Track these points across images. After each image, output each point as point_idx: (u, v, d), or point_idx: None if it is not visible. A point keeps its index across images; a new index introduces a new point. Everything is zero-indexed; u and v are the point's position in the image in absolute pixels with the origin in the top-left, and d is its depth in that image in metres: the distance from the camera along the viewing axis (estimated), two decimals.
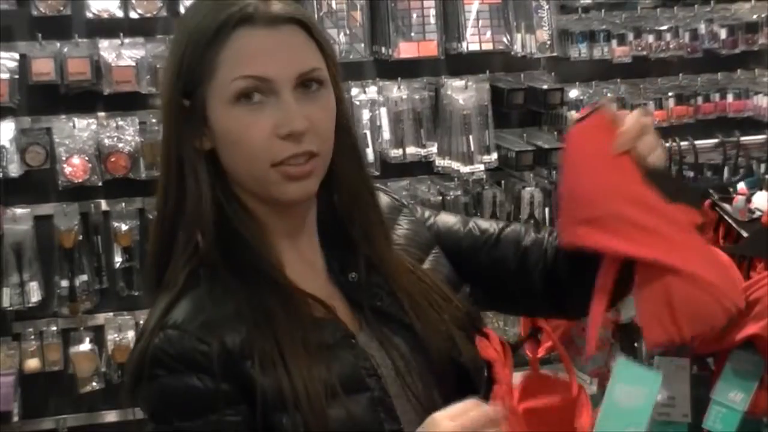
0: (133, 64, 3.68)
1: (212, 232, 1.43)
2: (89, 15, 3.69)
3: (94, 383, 3.77)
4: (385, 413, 1.42)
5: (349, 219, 1.54)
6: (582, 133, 1.46)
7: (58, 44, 3.68)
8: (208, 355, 1.36)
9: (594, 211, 1.41)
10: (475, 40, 3.98)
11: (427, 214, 1.74)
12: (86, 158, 3.69)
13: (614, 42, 4.16)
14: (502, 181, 4.10)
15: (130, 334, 3.81)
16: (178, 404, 1.37)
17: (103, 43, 3.70)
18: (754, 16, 4.32)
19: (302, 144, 1.42)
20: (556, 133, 4.17)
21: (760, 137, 2.51)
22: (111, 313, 3.84)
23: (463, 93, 3.95)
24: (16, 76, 3.64)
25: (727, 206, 2.17)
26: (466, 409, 1.31)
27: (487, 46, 4.00)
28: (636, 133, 1.44)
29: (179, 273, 1.43)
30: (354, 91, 3.86)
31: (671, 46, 4.23)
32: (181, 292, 1.42)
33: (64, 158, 3.68)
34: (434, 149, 3.97)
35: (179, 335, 1.37)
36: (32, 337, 3.75)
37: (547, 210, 4.03)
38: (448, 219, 1.73)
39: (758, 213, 2.14)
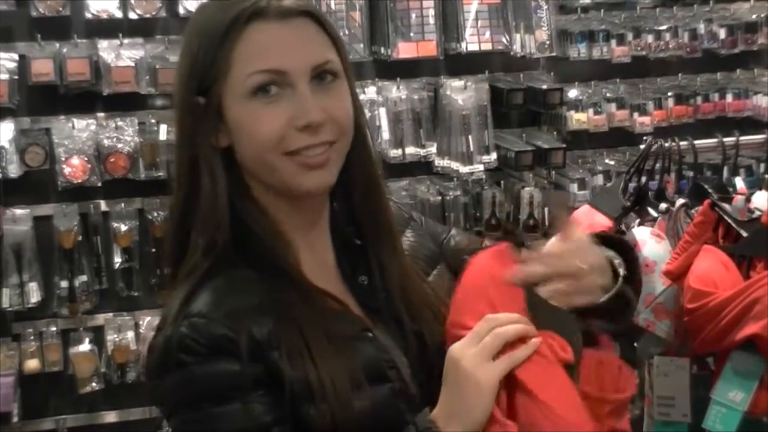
0: (133, 64, 3.68)
1: (228, 229, 1.44)
2: (88, 15, 3.69)
3: (93, 384, 3.77)
4: (406, 404, 1.44)
5: (360, 219, 1.56)
6: (482, 256, 1.51)
7: (58, 45, 3.68)
8: (236, 342, 1.36)
9: (459, 320, 1.46)
10: (474, 40, 3.98)
11: (439, 229, 1.77)
12: (85, 159, 3.69)
13: (613, 42, 4.15)
14: (502, 181, 4.10)
15: (130, 335, 3.81)
16: (209, 390, 1.37)
17: (103, 44, 3.70)
18: (754, 16, 4.32)
19: (319, 135, 1.43)
20: (555, 133, 4.17)
21: (760, 137, 2.50)
22: (111, 314, 3.84)
23: (462, 93, 3.94)
24: (16, 77, 3.64)
25: (726, 206, 2.17)
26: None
27: (486, 47, 4.00)
28: (536, 278, 1.43)
29: (195, 267, 1.44)
30: None
31: (670, 45, 4.23)
32: (199, 283, 1.42)
33: (63, 159, 3.68)
34: (433, 149, 3.96)
35: (206, 323, 1.38)
36: (32, 337, 3.75)
37: (546, 210, 4.03)
38: (462, 239, 1.77)
39: (758, 213, 2.15)
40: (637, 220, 2.39)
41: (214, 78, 1.42)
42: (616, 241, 1.60)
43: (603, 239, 1.57)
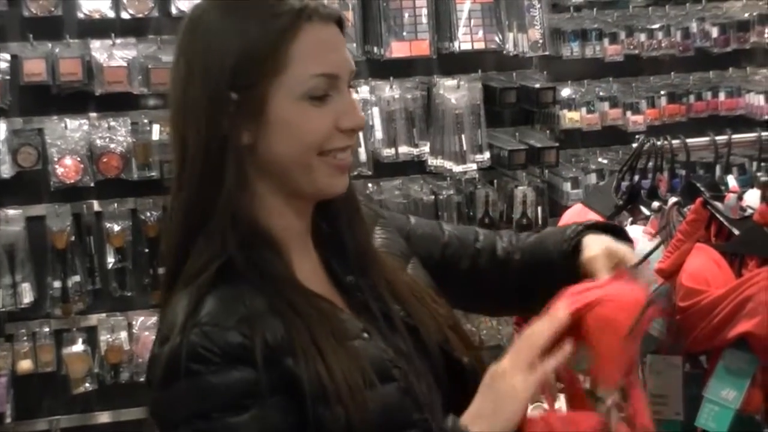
0: (125, 64, 3.68)
1: (240, 230, 1.42)
2: (80, 15, 3.69)
3: (87, 384, 3.77)
4: (412, 402, 1.43)
5: (339, 219, 1.56)
6: None
7: (50, 45, 3.68)
8: (250, 349, 1.34)
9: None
10: (467, 39, 3.98)
11: (402, 221, 1.79)
12: (78, 159, 3.69)
13: (606, 41, 4.16)
14: (495, 181, 4.11)
15: (123, 335, 3.80)
16: (224, 399, 1.34)
17: (95, 44, 3.70)
18: (746, 15, 4.33)
19: (353, 138, 1.48)
20: (548, 131, 4.18)
21: (752, 135, 2.50)
22: (104, 314, 3.85)
23: (455, 92, 3.95)
24: (8, 77, 3.65)
25: (718, 204, 2.17)
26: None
27: (479, 46, 4.01)
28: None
29: (200, 271, 1.41)
30: None
31: (663, 44, 4.24)
32: (206, 289, 1.39)
33: (56, 159, 3.68)
34: (427, 149, 3.97)
35: (218, 330, 1.35)
36: (25, 338, 3.75)
37: (539, 209, 4.03)
38: (424, 226, 1.80)
39: (750, 211, 2.14)
40: (630, 219, 2.38)
41: (262, 74, 1.40)
42: (609, 227, 1.77)
43: (598, 227, 1.73)
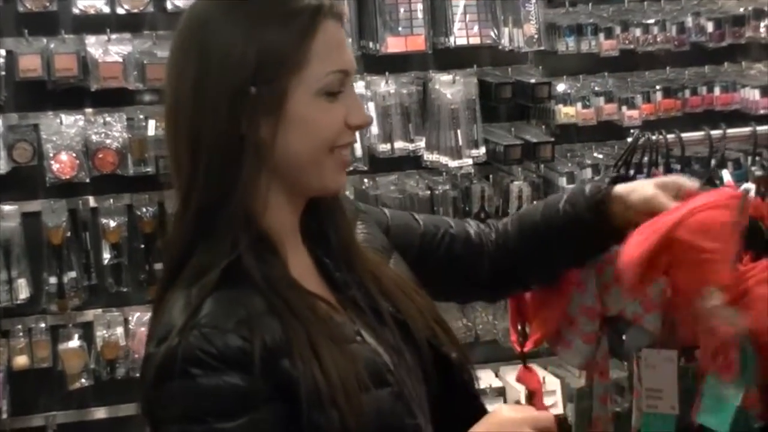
0: (121, 60, 3.68)
1: (249, 230, 1.41)
2: (76, 11, 3.68)
3: (83, 380, 3.77)
4: (404, 407, 1.43)
5: (325, 217, 1.56)
6: None
7: (45, 40, 3.68)
8: (250, 353, 1.33)
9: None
10: (462, 34, 3.98)
11: (380, 215, 1.80)
12: (74, 155, 3.69)
13: (601, 35, 4.16)
14: (491, 176, 4.11)
15: (119, 331, 3.81)
16: (217, 404, 1.32)
17: (90, 39, 3.69)
18: (741, 9, 4.33)
19: (355, 135, 1.49)
20: (544, 127, 4.17)
21: (747, 130, 2.51)
22: (100, 310, 3.84)
23: (450, 87, 3.95)
24: (3, 73, 3.65)
25: None
26: (527, 407, 1.44)
27: (475, 41, 4.00)
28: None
29: (207, 270, 1.38)
30: None
31: (658, 39, 4.24)
32: (209, 291, 1.37)
33: (51, 155, 3.67)
34: (422, 144, 3.97)
35: (217, 333, 1.33)
36: (21, 334, 3.75)
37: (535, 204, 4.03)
38: (400, 217, 1.82)
39: None
40: None
41: (284, 69, 1.39)
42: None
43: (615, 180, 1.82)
